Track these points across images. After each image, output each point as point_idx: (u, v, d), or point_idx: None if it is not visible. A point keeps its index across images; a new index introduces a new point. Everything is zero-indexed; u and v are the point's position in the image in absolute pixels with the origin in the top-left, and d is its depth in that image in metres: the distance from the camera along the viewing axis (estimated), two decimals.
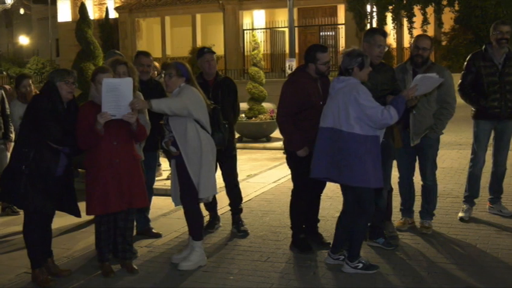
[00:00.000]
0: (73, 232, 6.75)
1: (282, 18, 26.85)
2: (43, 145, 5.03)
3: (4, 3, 22.92)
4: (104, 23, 30.82)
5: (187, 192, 5.42)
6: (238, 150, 6.75)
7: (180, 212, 5.90)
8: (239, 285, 5.05)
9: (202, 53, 6.45)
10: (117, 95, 5.02)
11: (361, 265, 5.19)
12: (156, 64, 9.22)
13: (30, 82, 7.40)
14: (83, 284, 5.20)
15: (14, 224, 7.09)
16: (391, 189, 6.04)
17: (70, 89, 5.14)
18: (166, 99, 5.35)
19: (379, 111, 4.93)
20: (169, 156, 5.60)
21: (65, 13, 35.51)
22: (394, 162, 6.00)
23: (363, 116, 4.95)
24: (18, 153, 5.15)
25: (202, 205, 5.92)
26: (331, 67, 7.81)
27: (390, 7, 21.91)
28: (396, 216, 6.39)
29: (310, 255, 5.68)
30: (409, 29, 24.58)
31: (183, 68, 5.45)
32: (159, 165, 9.27)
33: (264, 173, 10.14)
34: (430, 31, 24.40)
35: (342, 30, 27.69)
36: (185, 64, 5.57)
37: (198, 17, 30.69)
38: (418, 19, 24.29)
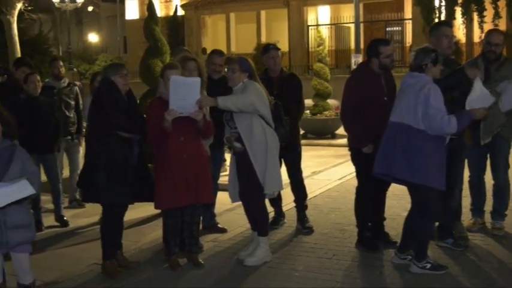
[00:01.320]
0: (141, 225, 6.89)
1: (347, 13, 26.55)
2: (114, 137, 5.16)
3: (75, 1, 23.57)
4: (170, 20, 31.29)
5: (252, 188, 5.44)
6: (302, 147, 6.73)
7: None
8: (304, 282, 5.05)
9: (267, 49, 6.47)
10: (185, 92, 5.08)
11: (429, 265, 5.09)
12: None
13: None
14: (151, 276, 5.32)
15: (82, 216, 7.31)
16: (461, 188, 5.90)
17: (125, 81, 5.27)
18: (232, 96, 5.38)
19: (439, 115, 4.79)
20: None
21: (132, 11, 36.23)
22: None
23: (428, 116, 4.84)
24: (91, 149, 5.31)
25: (267, 201, 5.93)
26: (397, 63, 7.68)
27: (460, 1, 21.30)
28: (466, 217, 6.23)
29: (377, 254, 5.61)
30: (479, 24, 23.83)
31: (246, 63, 5.47)
32: (224, 160, 9.35)
33: (329, 170, 10.09)
34: (502, 25, 23.61)
35: (408, 26, 27.14)
36: (248, 59, 5.59)
37: (263, 13, 30.71)
38: (489, 13, 23.55)
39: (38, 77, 6.82)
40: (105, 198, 5.25)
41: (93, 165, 5.20)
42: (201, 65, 5.77)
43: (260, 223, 5.59)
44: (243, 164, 5.44)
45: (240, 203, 5.75)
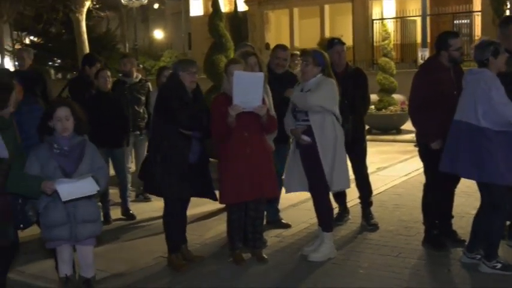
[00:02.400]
0: (205, 220, 6.96)
1: (412, 6, 26.04)
2: (175, 134, 5.22)
3: None
4: (234, 16, 31.49)
5: (317, 183, 5.42)
6: (367, 143, 6.65)
7: (310, 203, 5.91)
8: (369, 279, 4.99)
9: (332, 44, 6.41)
10: (248, 87, 5.09)
11: (499, 265, 4.94)
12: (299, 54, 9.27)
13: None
14: (215, 270, 5.37)
15: (148, 210, 7.44)
16: None
17: (192, 79, 5.30)
18: (302, 95, 5.35)
19: (504, 107, 4.68)
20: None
21: (197, 7, 36.65)
22: None
23: (491, 112, 4.70)
24: (152, 143, 5.41)
25: (331, 197, 5.89)
26: (465, 57, 7.47)
27: None
28: None
29: (444, 252, 5.49)
30: None
31: (320, 57, 5.43)
32: None
33: (394, 166, 9.95)
34: None
35: (477, 18, 26.38)
36: (323, 53, 5.56)
37: (327, 7, 30.49)
38: None
39: (109, 73, 6.99)
40: (162, 191, 5.35)
41: (153, 159, 5.30)
42: (261, 59, 5.77)
43: (324, 219, 5.56)
44: (309, 158, 5.42)
45: (304, 199, 5.74)
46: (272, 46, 7.05)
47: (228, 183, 5.32)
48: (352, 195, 6.76)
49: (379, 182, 8.30)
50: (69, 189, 4.05)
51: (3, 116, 4.08)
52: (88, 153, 4.31)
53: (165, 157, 5.21)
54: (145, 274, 5.36)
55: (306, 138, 5.38)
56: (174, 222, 5.44)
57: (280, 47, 6.57)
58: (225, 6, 33.46)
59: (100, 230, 4.52)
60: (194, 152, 5.31)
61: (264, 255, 5.52)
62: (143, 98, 7.82)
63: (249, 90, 5.09)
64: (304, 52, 5.64)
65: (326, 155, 5.32)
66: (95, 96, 6.92)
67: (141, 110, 7.82)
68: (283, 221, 6.57)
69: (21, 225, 4.21)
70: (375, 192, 7.00)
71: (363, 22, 28.50)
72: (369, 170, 6.78)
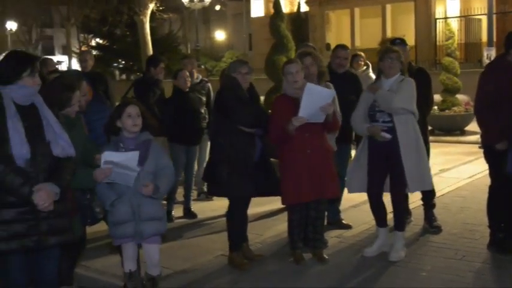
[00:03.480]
0: (266, 219, 6.99)
1: (477, 5, 25.42)
2: (237, 132, 5.27)
3: (203, 1, 24.32)
4: (295, 17, 31.48)
5: (398, 184, 5.40)
6: (430, 144, 6.53)
7: None
8: (431, 282, 4.91)
9: (394, 44, 6.32)
10: (317, 101, 5.08)
11: None
12: (362, 55, 9.22)
13: None
14: (275, 269, 5.38)
15: (209, 209, 7.51)
16: None
17: (244, 79, 5.35)
18: (388, 95, 5.32)
19: None
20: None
21: (258, 8, 36.86)
22: None
23: None
24: (215, 144, 5.46)
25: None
26: None
27: None
28: None
29: (510, 256, 5.34)
30: None
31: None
32: (351, 157, 9.27)
33: (457, 168, 9.74)
34: None
35: None
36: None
37: (388, 7, 30.13)
38: None
39: (187, 73, 7.11)
40: (227, 191, 5.38)
41: (216, 159, 5.36)
42: (319, 59, 5.74)
43: (401, 219, 5.57)
44: (385, 157, 5.38)
45: (365, 200, 5.69)
46: (333, 46, 7.02)
47: (288, 183, 5.33)
48: (415, 197, 6.64)
49: (442, 184, 8.14)
50: (113, 156, 4.14)
51: (69, 115, 4.19)
52: (153, 152, 4.38)
53: (229, 157, 5.26)
54: (206, 272, 5.42)
55: (387, 135, 5.32)
56: (237, 221, 5.49)
57: (340, 47, 6.55)
58: (286, 7, 33.54)
59: (165, 228, 4.58)
60: (257, 149, 5.36)
61: (325, 256, 5.50)
62: (204, 98, 7.91)
63: (317, 104, 5.08)
64: (388, 49, 5.57)
65: (408, 156, 5.30)
66: (176, 95, 7.07)
67: (202, 110, 7.91)
68: (344, 221, 6.53)
69: (89, 221, 4.33)
70: (438, 194, 6.87)
71: (426, 21, 28.01)
72: (432, 172, 6.64)
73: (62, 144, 3.65)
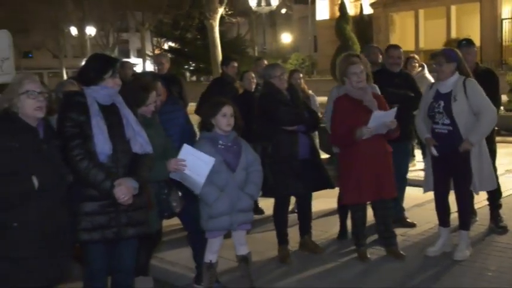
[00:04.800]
0: (330, 216, 6.94)
1: None
2: (279, 132, 5.32)
3: (270, 5, 24.39)
4: (359, 19, 31.17)
5: (465, 184, 5.31)
6: (496, 144, 6.33)
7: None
8: (497, 282, 4.77)
9: (460, 45, 6.19)
10: (384, 118, 5.12)
11: None
12: (416, 57, 9.05)
13: (301, 75, 7.72)
14: (340, 266, 5.36)
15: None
16: None
17: (281, 81, 5.40)
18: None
19: None
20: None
21: (323, 11, 36.66)
22: None
23: None
24: (259, 146, 5.47)
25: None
26: None
27: None
28: None
29: None
30: None
31: (452, 52, 5.32)
32: (413, 156, 9.13)
33: None
34: None
35: None
36: (453, 49, 5.44)
37: (453, 8, 29.35)
38: None
39: (253, 74, 7.18)
40: (272, 191, 5.42)
41: (262, 160, 5.39)
42: (365, 60, 5.72)
43: (467, 218, 5.47)
44: (449, 157, 5.27)
45: (429, 199, 5.59)
46: None
47: (348, 183, 5.32)
48: (480, 197, 6.45)
49: (508, 184, 7.86)
50: (190, 150, 4.21)
51: (145, 115, 4.29)
52: (244, 147, 4.54)
53: (274, 156, 5.30)
54: (274, 265, 5.44)
55: (434, 152, 5.31)
56: (284, 217, 5.59)
57: (392, 47, 6.52)
58: (350, 10, 33.22)
59: (252, 218, 4.69)
60: (303, 146, 5.37)
61: (401, 252, 5.45)
62: None
63: (384, 120, 5.11)
64: (434, 54, 5.47)
65: (473, 155, 5.20)
66: (242, 96, 7.14)
67: None
68: (408, 220, 6.42)
69: (166, 214, 4.43)
70: (504, 194, 6.65)
71: (491, 21, 27.13)
72: (498, 172, 6.44)
73: (140, 142, 3.75)
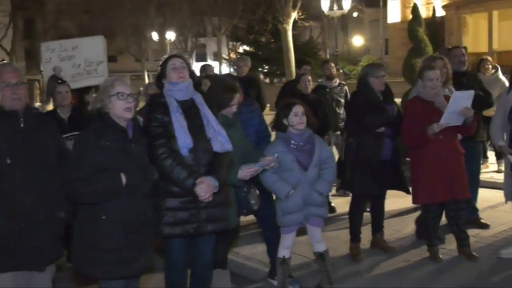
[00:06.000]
0: (403, 216, 6.83)
1: None
2: (366, 134, 5.24)
3: (342, 8, 24.19)
4: (431, 21, 30.43)
5: None
6: None
7: (508, 205, 5.53)
8: None
9: None
10: (459, 105, 4.94)
11: None
12: (489, 59, 8.77)
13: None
14: (411, 265, 5.26)
15: (348, 203, 7.44)
16: None
17: (381, 82, 5.27)
18: None
19: None
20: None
21: (394, 14, 36.02)
22: None
23: None
24: (347, 143, 5.49)
25: None
26: None
27: None
28: None
29: None
30: None
31: None
32: (487, 157, 8.85)
33: None
34: None
35: None
36: None
37: None
38: None
39: (310, 77, 7.15)
40: (350, 187, 5.44)
41: (345, 158, 5.37)
42: (448, 63, 5.56)
43: None
44: None
45: (503, 201, 5.40)
46: (470, 50, 6.77)
47: (421, 184, 5.22)
48: None
49: None
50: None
51: (227, 115, 4.34)
52: (317, 145, 4.53)
53: (358, 156, 5.26)
54: (346, 262, 5.41)
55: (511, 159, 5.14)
56: (358, 214, 5.54)
57: (455, 47, 6.47)
58: (422, 12, 32.45)
59: (326, 213, 4.68)
60: (386, 149, 5.29)
61: (474, 253, 5.30)
62: (342, 101, 7.89)
63: (459, 108, 4.95)
64: None
65: None
66: (297, 98, 7.12)
67: (341, 112, 7.89)
68: (482, 220, 6.22)
69: (244, 211, 4.48)
70: None
71: None
72: None
73: (220, 140, 3.80)
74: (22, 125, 3.47)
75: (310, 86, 7.16)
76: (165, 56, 3.97)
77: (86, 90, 7.53)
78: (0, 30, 34.07)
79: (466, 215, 6.10)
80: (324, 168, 4.52)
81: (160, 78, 3.90)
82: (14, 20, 36.23)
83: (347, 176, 5.36)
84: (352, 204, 5.59)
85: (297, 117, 4.45)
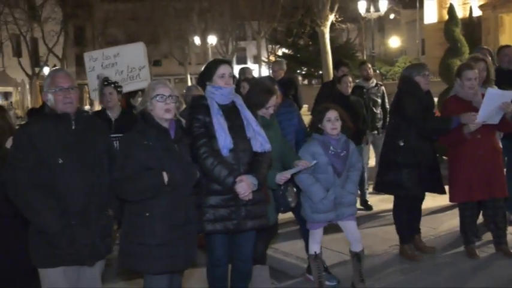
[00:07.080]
0: (439, 214, 6.72)
1: None
2: (412, 136, 5.12)
3: (379, 10, 23.93)
4: (467, 21, 29.78)
5: None
6: None
7: None
8: None
9: None
10: (496, 104, 4.83)
11: None
12: None
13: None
14: (447, 262, 5.17)
15: (384, 202, 7.37)
16: None
17: (427, 81, 5.13)
18: None
19: None
20: None
21: (431, 15, 35.42)
22: None
23: None
24: (390, 144, 5.33)
25: None
26: None
27: None
28: None
29: None
30: None
31: None
32: None
33: None
34: None
35: None
36: None
37: None
38: None
39: (350, 79, 7.09)
40: (393, 188, 5.28)
41: (391, 160, 5.24)
42: (490, 64, 5.42)
43: None
44: None
45: None
46: None
47: (459, 182, 5.11)
48: None
49: None
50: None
51: (264, 116, 4.33)
52: (351, 151, 4.50)
53: (406, 158, 5.12)
54: (381, 259, 5.36)
55: None
56: (404, 216, 5.38)
57: (505, 46, 6.36)
58: (458, 12, 31.81)
59: (355, 211, 4.62)
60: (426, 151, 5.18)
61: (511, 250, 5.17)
62: (379, 101, 7.81)
63: (496, 106, 4.83)
64: None
65: None
66: (338, 99, 7.07)
67: (378, 111, 7.81)
68: None
69: (282, 209, 4.47)
70: None
71: None
72: None
73: (260, 141, 3.82)
74: (73, 127, 3.53)
75: (351, 87, 7.11)
76: (213, 60, 4.00)
77: (132, 94, 7.64)
78: (52, 38, 34.85)
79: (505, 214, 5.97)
80: (351, 170, 4.48)
81: (203, 79, 3.93)
82: (65, 27, 37.04)
83: (390, 177, 5.21)
84: (399, 206, 5.41)
85: (330, 122, 4.40)
